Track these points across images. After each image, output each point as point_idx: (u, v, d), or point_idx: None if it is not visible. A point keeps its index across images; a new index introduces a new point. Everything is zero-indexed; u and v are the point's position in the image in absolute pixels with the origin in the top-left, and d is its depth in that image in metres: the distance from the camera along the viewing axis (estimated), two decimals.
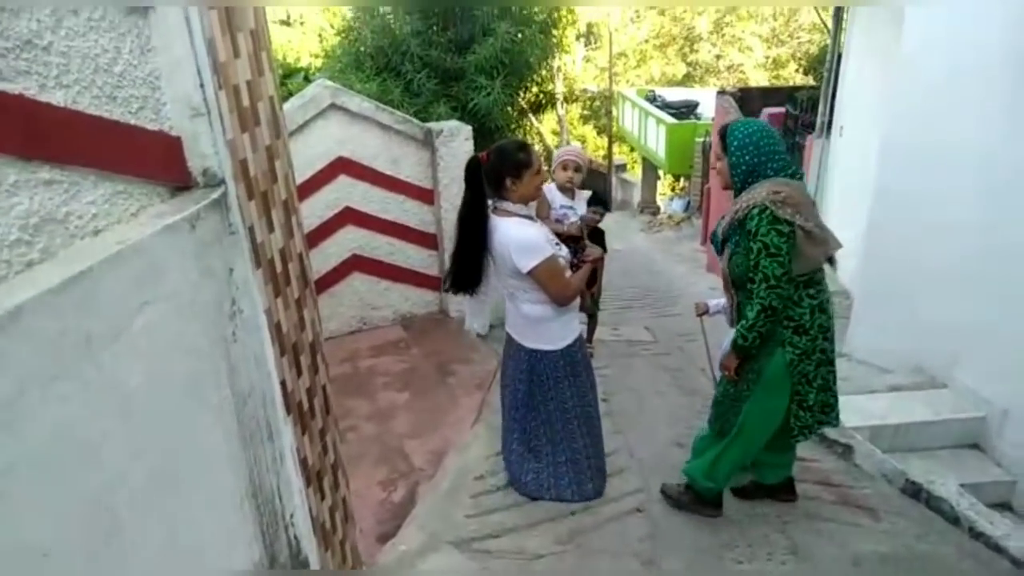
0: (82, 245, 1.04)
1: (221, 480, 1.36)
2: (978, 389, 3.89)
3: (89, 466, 0.95)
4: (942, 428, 3.87)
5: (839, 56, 7.00)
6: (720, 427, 2.81)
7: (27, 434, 0.83)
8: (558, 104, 15.12)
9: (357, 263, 5.20)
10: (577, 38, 20.05)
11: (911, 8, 4.22)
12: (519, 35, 9.34)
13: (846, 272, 6.16)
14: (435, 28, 9.55)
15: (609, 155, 18.44)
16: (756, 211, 2.42)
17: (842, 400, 2.77)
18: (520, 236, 2.65)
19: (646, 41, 24.28)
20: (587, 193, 4.29)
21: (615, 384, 4.49)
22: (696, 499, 2.97)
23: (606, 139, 19.73)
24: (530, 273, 2.65)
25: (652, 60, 24.27)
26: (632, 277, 8.33)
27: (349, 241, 5.13)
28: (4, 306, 0.80)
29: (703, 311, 3.13)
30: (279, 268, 1.67)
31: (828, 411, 2.65)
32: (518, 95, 10.45)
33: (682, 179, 16.50)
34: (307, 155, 4.74)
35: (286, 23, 19.09)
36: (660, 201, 16.50)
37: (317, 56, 15.18)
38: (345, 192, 5.00)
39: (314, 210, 4.86)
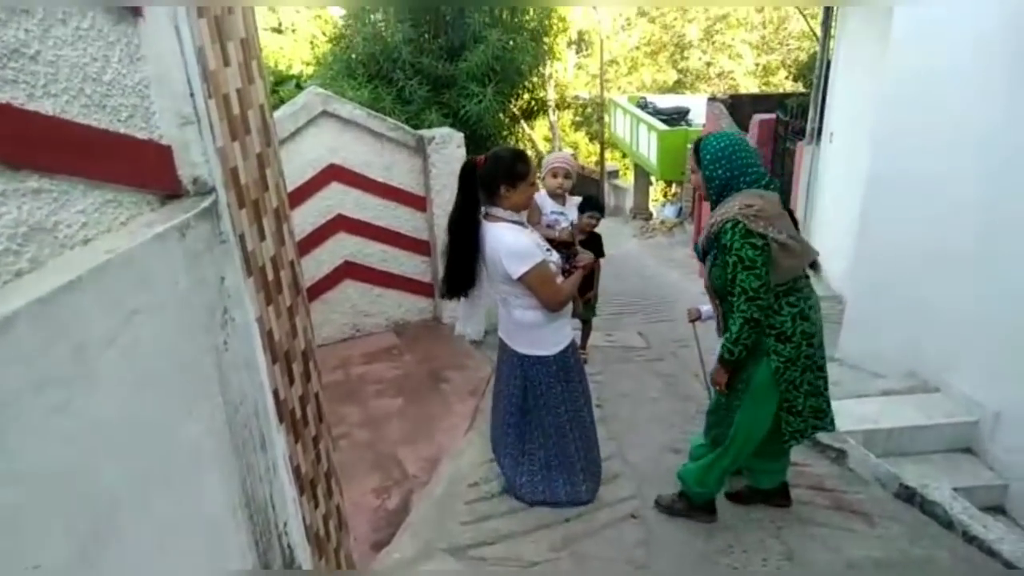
0: (71, 254, 1.03)
1: (213, 489, 1.35)
2: (970, 393, 3.91)
3: (79, 476, 0.94)
4: (935, 432, 3.89)
5: (828, 63, 7.06)
6: (715, 436, 2.82)
7: (16, 445, 0.82)
8: (550, 111, 15.20)
9: (349, 270, 5.19)
10: (568, 45, 20.13)
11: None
12: (510, 42, 9.38)
13: (838, 276, 6.20)
14: (426, 35, 9.57)
15: (601, 161, 18.48)
16: (729, 225, 2.45)
17: (835, 405, 2.78)
18: (511, 242, 2.65)
19: (637, 48, 24.41)
20: (577, 199, 4.31)
21: (609, 390, 4.49)
22: (690, 505, 2.97)
23: (598, 145, 19.77)
24: (521, 279, 2.65)
25: (643, 67, 24.39)
26: (625, 283, 8.34)
27: (341, 248, 5.12)
28: None
29: (695, 317, 3.14)
30: (270, 276, 1.66)
31: (821, 416, 2.66)
32: (510, 102, 10.48)
33: (674, 185, 16.56)
34: (299, 162, 4.73)
35: (278, 30, 19.09)
36: (652, 207, 16.56)
37: (309, 63, 15.18)
38: (337, 199, 4.99)
39: (306, 217, 4.85)
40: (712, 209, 2.62)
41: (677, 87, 23.15)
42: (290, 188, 4.17)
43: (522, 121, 11.93)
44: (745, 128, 9.86)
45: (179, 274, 1.23)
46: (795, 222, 2.62)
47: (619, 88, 23.27)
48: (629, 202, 16.84)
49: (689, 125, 14.75)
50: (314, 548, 1.83)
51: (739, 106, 11.28)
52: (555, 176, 4.01)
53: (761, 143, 9.19)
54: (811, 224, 7.50)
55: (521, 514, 3.08)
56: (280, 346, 1.68)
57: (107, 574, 0.99)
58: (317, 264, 5.00)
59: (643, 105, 16.50)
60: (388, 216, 5.22)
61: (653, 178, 16.63)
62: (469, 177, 2.70)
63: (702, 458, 2.89)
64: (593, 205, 4.52)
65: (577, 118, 23.51)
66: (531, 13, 10.05)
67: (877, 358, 4.61)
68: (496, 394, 3.18)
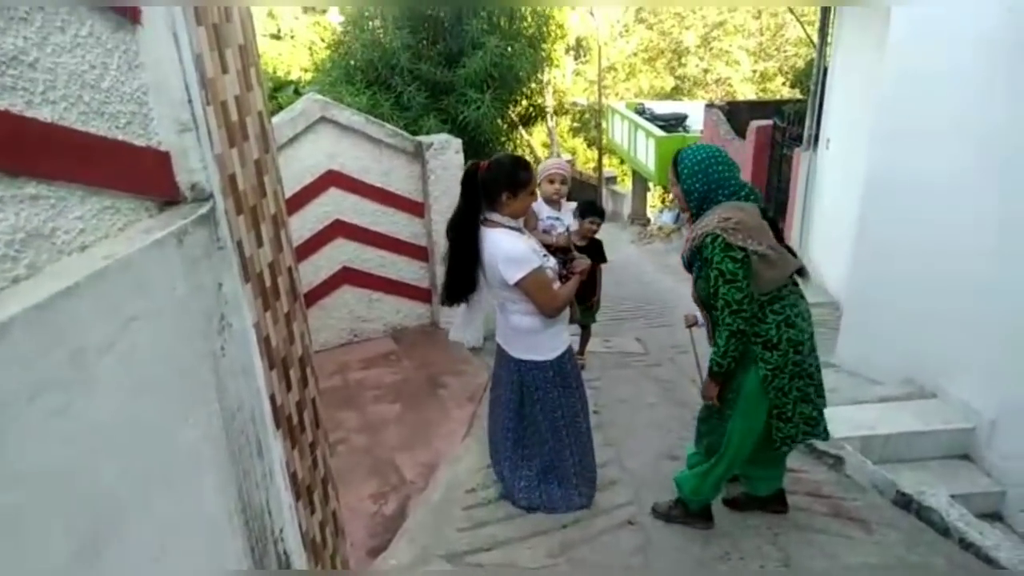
0: (69, 261, 1.03)
1: (210, 495, 1.35)
2: (967, 400, 3.91)
3: (75, 482, 0.94)
4: (932, 439, 3.89)
5: (825, 70, 7.09)
6: (708, 444, 2.83)
7: (12, 450, 0.82)
8: (548, 117, 15.21)
9: (347, 275, 5.20)
10: (566, 52, 20.21)
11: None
12: (508, 49, 9.39)
13: (835, 282, 6.21)
14: (425, 42, 9.59)
15: (599, 167, 18.52)
16: (709, 240, 2.47)
17: (832, 411, 2.78)
18: (508, 247, 2.66)
19: (635, 55, 24.48)
20: (572, 204, 4.32)
21: (606, 396, 4.50)
22: (686, 512, 2.97)
23: (596, 151, 19.82)
24: (517, 284, 2.66)
25: (641, 73, 24.47)
26: (623, 288, 8.34)
27: (339, 253, 5.12)
28: None
29: (692, 323, 3.15)
30: (268, 282, 1.66)
31: (813, 424, 2.65)
32: (508, 108, 10.49)
33: None
34: (297, 168, 4.74)
35: (276, 36, 19.13)
36: (650, 213, 16.59)
37: (307, 70, 15.21)
38: (335, 205, 5.00)
39: (304, 223, 4.86)
40: (693, 221, 2.64)
41: (675, 93, 23.23)
42: (288, 194, 4.19)
43: (520, 127, 11.94)
44: (742, 134, 9.90)
45: (177, 280, 1.24)
46: (779, 232, 2.63)
47: (617, 94, 23.34)
48: (627, 208, 16.89)
49: (687, 131, 14.80)
50: (310, 554, 1.83)
51: (737, 112, 11.32)
52: (552, 182, 4.02)
53: (758, 149, 9.23)
54: (808, 230, 7.52)
55: (518, 520, 3.07)
56: (277, 352, 1.69)
57: None
58: (315, 269, 5.01)
59: (641, 111, 16.55)
60: (386, 222, 5.23)
61: (651, 184, 16.68)
62: (471, 182, 2.71)
63: (697, 467, 2.89)
64: (594, 210, 4.53)
65: (575, 124, 23.59)
66: (529, 20, 10.08)
67: (874, 364, 4.61)
68: (494, 400, 3.18)
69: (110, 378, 1.02)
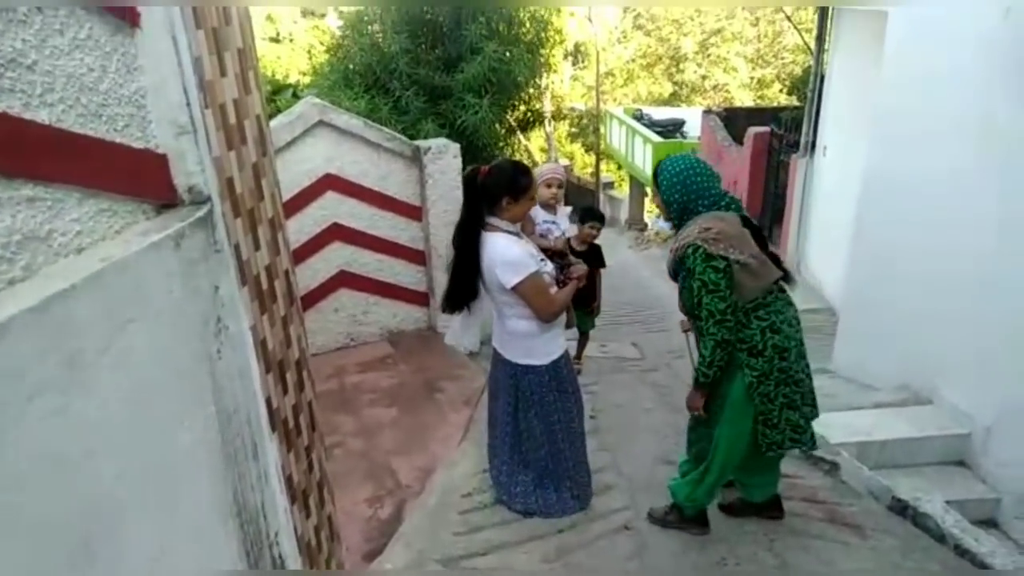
0: (65, 263, 1.03)
1: (205, 498, 1.35)
2: (962, 406, 3.92)
3: (71, 485, 0.94)
4: (927, 445, 3.89)
5: (822, 77, 7.12)
6: (698, 451, 2.84)
7: (9, 452, 0.82)
8: (546, 122, 15.24)
9: (345, 279, 5.20)
10: (564, 57, 20.22)
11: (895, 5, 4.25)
12: (507, 54, 9.43)
13: (831, 289, 6.22)
14: (423, 47, 9.62)
15: (597, 172, 18.55)
16: (690, 250, 2.48)
17: (828, 417, 2.79)
18: (505, 252, 2.67)
19: (633, 60, 24.56)
20: (568, 209, 4.33)
21: (603, 401, 4.49)
22: (682, 518, 2.97)
23: (594, 156, 19.86)
24: (514, 289, 2.67)
25: (639, 79, 24.54)
26: (620, 293, 8.34)
27: (337, 257, 5.12)
28: None
29: (688, 328, 3.15)
30: (265, 285, 1.66)
31: (800, 432, 2.64)
32: (506, 113, 10.53)
33: None
34: (295, 172, 4.74)
35: (275, 40, 19.17)
36: (647, 218, 16.60)
37: (306, 73, 15.24)
38: (333, 208, 5.00)
39: (302, 226, 4.86)
40: (675, 232, 2.65)
41: (672, 99, 23.30)
42: (286, 197, 4.19)
43: (518, 132, 11.98)
44: (740, 141, 9.93)
45: (174, 283, 1.24)
46: (762, 240, 2.63)
47: (615, 100, 23.39)
48: (624, 213, 16.88)
49: (684, 137, 14.83)
50: (305, 558, 1.82)
51: (734, 119, 11.35)
52: (549, 186, 4.03)
53: (756, 156, 9.26)
54: (805, 237, 7.54)
55: (514, 525, 3.07)
56: (274, 355, 1.68)
57: None
58: (312, 273, 5.00)
59: (639, 117, 16.59)
60: (384, 226, 5.23)
61: (648, 189, 16.69)
62: (472, 187, 2.72)
63: (688, 474, 2.89)
64: (594, 215, 4.53)
65: (573, 129, 23.61)
66: (528, 25, 10.12)
67: (870, 370, 4.62)
68: (491, 404, 3.18)
69: (106, 380, 1.02)
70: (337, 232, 5.06)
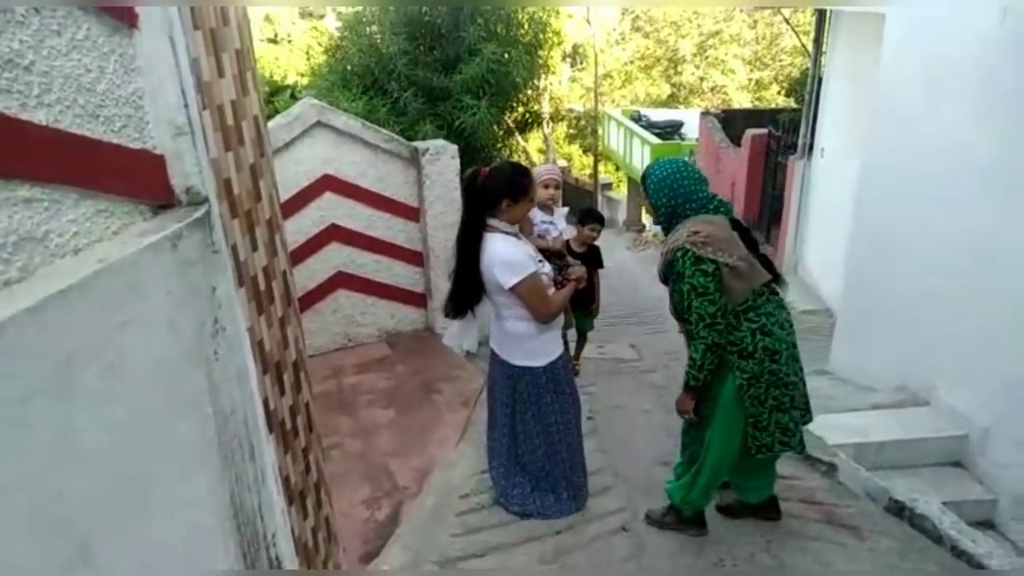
0: (62, 264, 1.03)
1: (201, 499, 1.35)
2: (959, 408, 3.92)
3: (67, 486, 0.94)
4: (924, 446, 3.90)
5: (819, 79, 7.13)
6: (691, 454, 2.84)
7: (4, 453, 0.82)
8: (544, 123, 15.24)
9: (342, 280, 5.19)
10: (563, 59, 20.24)
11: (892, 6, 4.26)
12: (505, 55, 9.43)
13: (828, 290, 6.23)
14: (422, 48, 9.62)
15: (595, 174, 18.56)
16: (679, 254, 2.48)
17: (826, 418, 2.79)
18: (503, 253, 2.67)
19: (631, 62, 24.58)
20: (565, 209, 4.35)
21: (600, 402, 4.49)
22: (679, 519, 2.97)
23: (592, 158, 19.87)
24: (512, 290, 2.67)
25: (637, 81, 24.57)
26: (618, 295, 8.34)
27: (334, 258, 5.12)
28: None
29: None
30: (262, 286, 1.66)
31: (789, 435, 2.64)
32: (504, 114, 10.53)
33: None
34: (293, 172, 4.74)
35: (273, 41, 19.17)
36: (645, 220, 16.62)
37: (304, 74, 15.24)
38: (331, 209, 5.00)
39: (300, 227, 4.86)
40: (664, 235, 2.65)
41: (671, 101, 23.33)
42: (284, 198, 4.18)
43: (516, 133, 11.98)
44: (738, 142, 9.95)
45: (171, 284, 1.24)
46: (752, 242, 2.63)
47: (613, 101, 23.41)
48: (622, 214, 16.90)
49: (682, 139, 14.86)
50: (302, 559, 1.82)
51: (732, 121, 11.36)
52: (546, 187, 4.04)
53: (753, 158, 9.27)
54: (802, 238, 7.55)
55: (512, 526, 3.07)
56: (271, 356, 1.68)
57: None
58: (310, 274, 5.00)
59: (637, 118, 16.61)
60: (381, 227, 5.23)
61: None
62: (472, 188, 2.72)
63: (682, 476, 2.90)
64: (594, 217, 4.54)
65: (571, 131, 23.64)
66: (526, 27, 10.12)
67: (867, 371, 4.63)
68: (490, 405, 3.18)
69: (103, 381, 1.02)
70: (335, 233, 5.06)
